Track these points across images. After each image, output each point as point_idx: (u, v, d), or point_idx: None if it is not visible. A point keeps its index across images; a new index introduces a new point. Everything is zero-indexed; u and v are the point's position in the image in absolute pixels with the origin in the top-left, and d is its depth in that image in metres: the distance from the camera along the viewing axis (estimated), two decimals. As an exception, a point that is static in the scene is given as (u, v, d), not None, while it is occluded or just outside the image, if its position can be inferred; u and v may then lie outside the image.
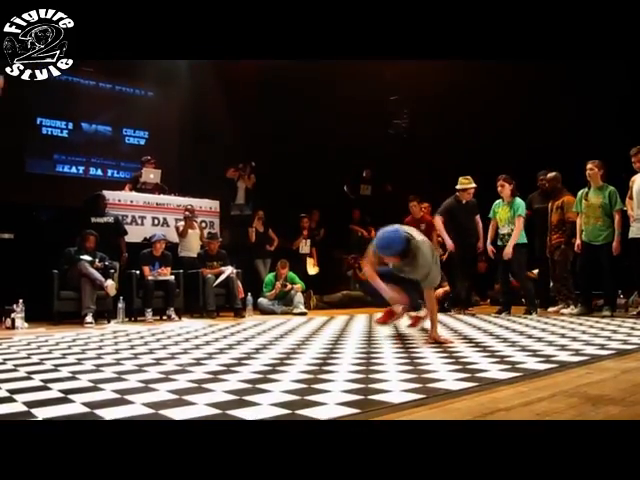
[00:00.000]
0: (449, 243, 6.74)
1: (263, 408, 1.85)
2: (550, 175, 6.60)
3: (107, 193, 7.61)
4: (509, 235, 6.23)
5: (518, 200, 6.31)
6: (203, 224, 8.20)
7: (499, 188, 6.36)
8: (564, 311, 6.26)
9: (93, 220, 6.99)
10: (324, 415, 1.75)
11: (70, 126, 10.00)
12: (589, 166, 5.87)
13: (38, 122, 9.67)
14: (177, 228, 7.78)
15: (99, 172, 10.28)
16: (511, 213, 6.26)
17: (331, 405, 1.87)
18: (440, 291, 7.19)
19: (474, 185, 6.79)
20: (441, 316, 6.22)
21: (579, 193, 6.05)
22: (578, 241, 6.00)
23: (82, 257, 6.26)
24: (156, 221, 8.07)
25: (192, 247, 7.73)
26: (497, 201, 6.48)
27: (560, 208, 6.47)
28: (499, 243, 6.36)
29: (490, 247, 6.46)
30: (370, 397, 1.98)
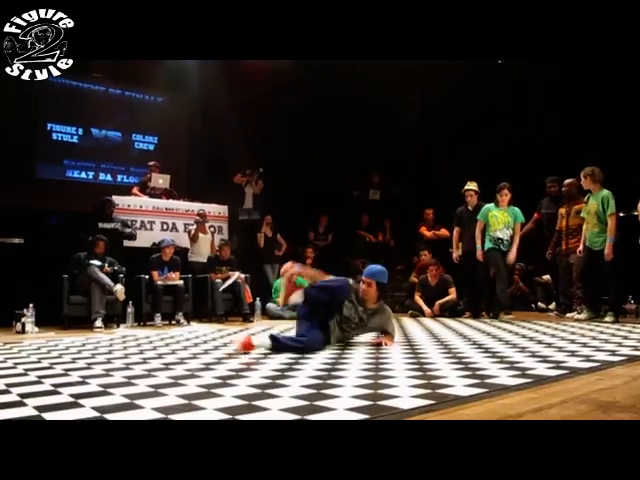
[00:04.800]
0: (454, 254, 7.02)
1: (272, 413, 1.85)
2: (568, 181, 6.56)
3: (117, 198, 7.66)
4: (507, 241, 6.42)
5: (516, 208, 6.54)
6: (212, 229, 8.23)
7: (504, 197, 6.49)
8: (575, 316, 6.21)
9: (100, 226, 7.02)
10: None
11: (80, 132, 10.08)
12: (583, 174, 5.93)
13: (48, 128, 9.75)
14: (189, 232, 7.82)
15: (109, 177, 10.35)
16: (511, 218, 6.45)
17: (340, 410, 1.86)
18: (446, 298, 7.21)
19: (470, 187, 6.92)
20: (450, 321, 6.21)
21: (585, 199, 6.08)
22: (581, 247, 6.05)
23: (92, 262, 6.30)
24: (165, 226, 8.12)
25: (202, 252, 7.76)
26: (488, 205, 6.59)
27: (579, 213, 6.45)
28: (491, 245, 6.42)
29: (481, 251, 6.54)
30: (379, 403, 1.97)
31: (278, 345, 3.47)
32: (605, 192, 5.78)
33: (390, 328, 3.94)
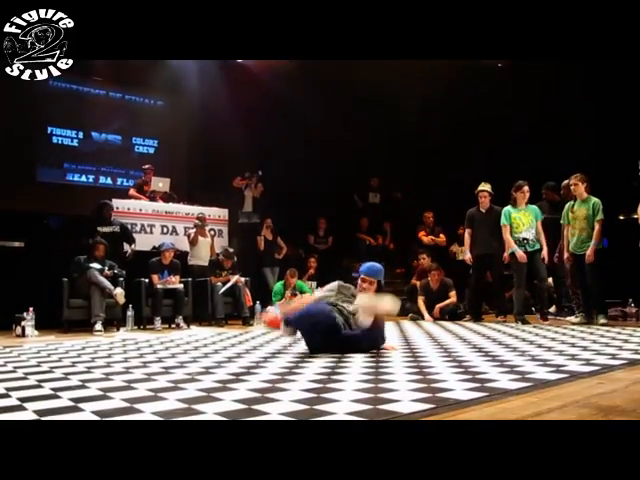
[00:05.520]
0: (467, 256, 6.88)
1: (272, 417, 1.84)
2: (565, 183, 6.53)
3: (117, 202, 7.68)
4: (532, 241, 6.28)
5: (533, 205, 6.45)
6: (212, 232, 8.23)
7: (526, 194, 6.40)
8: (568, 319, 6.22)
9: (99, 230, 7.03)
10: (333, 425, 1.75)
11: (80, 135, 10.09)
12: (572, 182, 5.97)
13: (49, 131, 9.76)
14: (188, 236, 7.83)
15: (109, 181, 10.35)
16: (533, 217, 6.35)
17: (340, 414, 1.86)
18: (447, 302, 7.22)
19: (484, 188, 6.85)
20: (450, 325, 6.21)
21: (566, 206, 6.11)
22: (566, 254, 6.06)
23: (92, 265, 6.30)
24: (165, 229, 8.12)
25: (202, 255, 7.75)
26: (508, 207, 6.47)
27: None
28: (519, 248, 6.32)
29: (506, 255, 6.44)
30: (379, 407, 1.96)
31: (289, 322, 3.49)
32: (595, 199, 5.87)
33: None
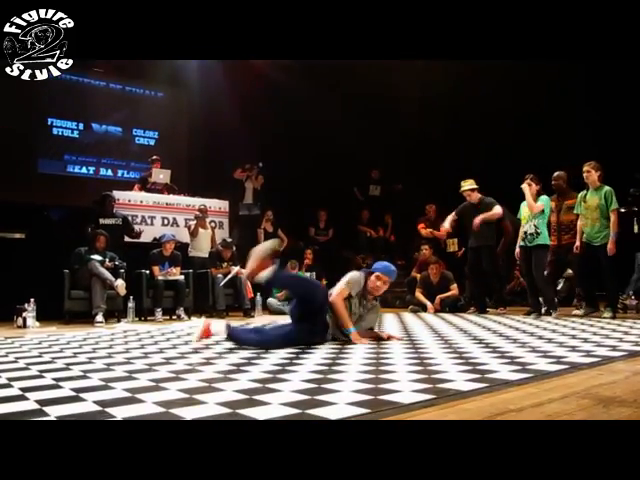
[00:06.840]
0: (445, 225, 6.94)
1: (273, 407, 1.85)
2: (556, 174, 6.43)
3: (117, 193, 7.67)
4: (531, 235, 6.17)
5: (542, 197, 6.26)
6: (212, 224, 8.23)
7: (528, 186, 6.28)
8: (574, 312, 6.21)
9: (101, 221, 7.04)
10: (334, 415, 1.75)
11: (81, 127, 10.09)
12: (585, 168, 5.85)
13: (49, 123, 9.76)
14: (189, 227, 7.83)
15: (109, 172, 10.36)
16: (531, 212, 6.23)
17: (341, 405, 1.86)
18: (448, 294, 7.22)
19: (465, 188, 6.84)
20: (450, 317, 6.22)
21: (579, 195, 6.02)
22: (577, 243, 5.98)
23: (92, 257, 6.30)
24: (166, 221, 8.12)
25: (202, 247, 7.76)
26: (524, 201, 6.42)
27: (572, 208, 6.38)
28: (521, 243, 6.28)
29: (517, 250, 6.39)
30: (380, 397, 1.97)
31: (232, 336, 3.56)
32: (607, 187, 5.74)
33: (375, 326, 3.99)
